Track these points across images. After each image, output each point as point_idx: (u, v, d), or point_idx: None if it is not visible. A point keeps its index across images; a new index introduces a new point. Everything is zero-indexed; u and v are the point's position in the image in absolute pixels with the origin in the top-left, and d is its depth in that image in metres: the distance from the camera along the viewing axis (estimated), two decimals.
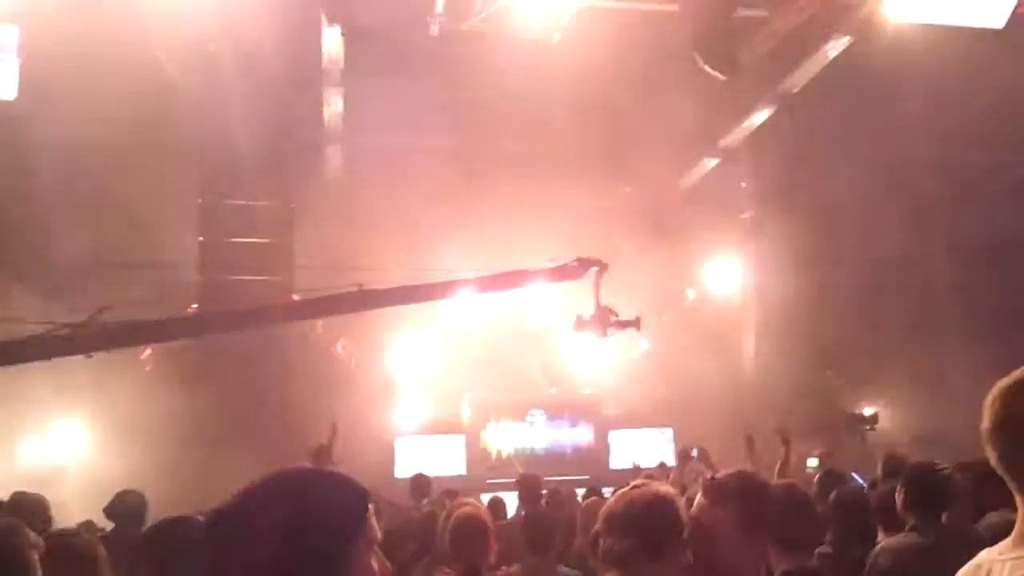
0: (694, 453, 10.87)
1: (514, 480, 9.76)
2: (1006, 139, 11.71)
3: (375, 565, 1.51)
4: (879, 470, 5.89)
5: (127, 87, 9.49)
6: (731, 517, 2.32)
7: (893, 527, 3.98)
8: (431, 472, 8.81)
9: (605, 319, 7.23)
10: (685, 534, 2.34)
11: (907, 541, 3.73)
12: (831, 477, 5.55)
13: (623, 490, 2.46)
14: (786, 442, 7.20)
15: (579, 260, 7.37)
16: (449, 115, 10.96)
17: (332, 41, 10.21)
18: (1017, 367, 1.75)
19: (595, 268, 7.15)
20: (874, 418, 12.58)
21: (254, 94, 9.79)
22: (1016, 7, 8.97)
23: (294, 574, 1.40)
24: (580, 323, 7.57)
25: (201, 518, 2.21)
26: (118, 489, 5.76)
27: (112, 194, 10.46)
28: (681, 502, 2.47)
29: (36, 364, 6.90)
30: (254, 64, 9.51)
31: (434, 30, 9.65)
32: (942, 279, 13.54)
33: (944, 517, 3.83)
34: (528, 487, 6.78)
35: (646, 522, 2.34)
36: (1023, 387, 1.69)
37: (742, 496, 2.37)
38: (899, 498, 3.85)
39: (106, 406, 10.61)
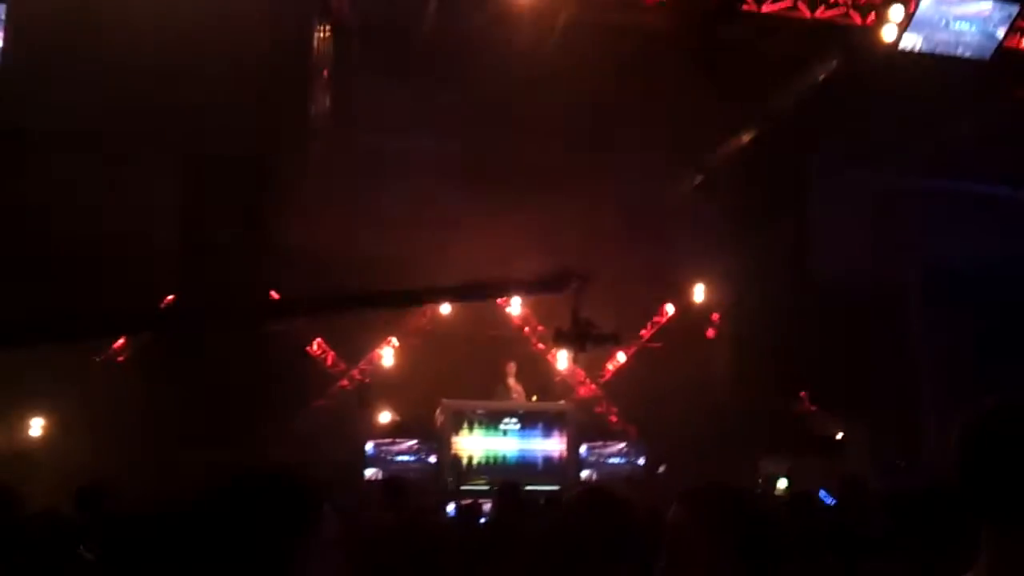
0: (661, 469, 10.97)
1: (487, 487, 9.82)
2: (982, 167, 11.86)
3: (331, 567, 1.50)
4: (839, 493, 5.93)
5: (112, 73, 9.41)
6: (702, 525, 2.33)
7: (852, 549, 3.99)
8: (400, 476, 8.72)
9: (584, 332, 7.22)
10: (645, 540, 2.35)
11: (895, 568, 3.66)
12: (800, 497, 5.58)
13: (578, 492, 2.48)
14: None
15: (559, 273, 7.38)
16: (435, 119, 10.94)
17: (322, 38, 10.19)
18: (986, 395, 1.75)
19: (575, 281, 7.15)
20: (843, 442, 12.67)
21: (241, 88, 9.75)
22: (1003, 41, 9.13)
23: (242, 571, 1.39)
24: (559, 335, 7.56)
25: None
26: (82, 479, 5.73)
27: (91, 182, 10.36)
28: (639, 508, 2.48)
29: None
30: (242, 57, 9.46)
31: (425, 33, 9.65)
32: (918, 306, 13.67)
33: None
34: (506, 495, 6.75)
35: (600, 526, 2.34)
36: (995, 416, 1.69)
37: (715, 505, 2.37)
38: (882, 522, 3.80)
39: (75, 396, 10.52)
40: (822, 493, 9.26)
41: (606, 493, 2.44)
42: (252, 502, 1.43)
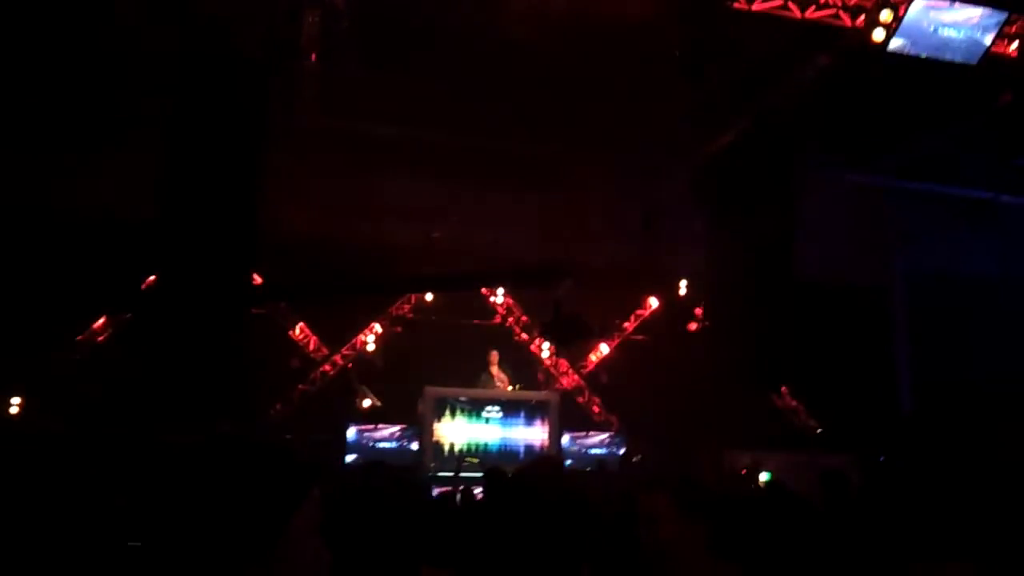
0: (636, 458, 11.12)
1: (467, 473, 9.87)
2: (967, 171, 11.96)
3: (312, 549, 1.51)
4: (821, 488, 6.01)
5: (96, 52, 9.35)
6: (670, 504, 2.39)
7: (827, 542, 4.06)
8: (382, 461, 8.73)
9: (568, 328, 7.26)
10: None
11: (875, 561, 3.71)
12: (776, 490, 5.65)
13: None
14: None
15: (545, 267, 7.42)
16: (425, 108, 10.91)
17: (312, 22, 10.12)
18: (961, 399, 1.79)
19: (562, 278, 7.18)
20: (823, 437, 12.82)
21: (228, 70, 9.67)
22: (991, 47, 9.21)
23: (230, 542, 1.39)
24: (544, 328, 7.60)
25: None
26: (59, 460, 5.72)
27: (73, 162, 10.31)
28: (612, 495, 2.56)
29: None
30: (230, 38, 9.39)
31: (416, 21, 9.61)
32: (899, 304, 13.80)
33: None
34: (494, 481, 6.77)
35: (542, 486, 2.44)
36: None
37: (686, 497, 2.44)
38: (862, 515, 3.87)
39: (54, 375, 10.49)
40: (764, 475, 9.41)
41: (546, 460, 2.53)
42: (250, 474, 1.44)
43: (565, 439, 11.50)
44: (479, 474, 9.66)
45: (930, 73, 9.39)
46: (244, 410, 10.65)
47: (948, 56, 9.20)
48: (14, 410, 10.74)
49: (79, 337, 11.51)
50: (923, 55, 9.17)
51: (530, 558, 2.46)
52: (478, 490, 7.80)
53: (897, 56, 9.20)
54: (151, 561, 1.50)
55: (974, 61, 9.25)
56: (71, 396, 10.17)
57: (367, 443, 10.92)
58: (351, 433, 10.92)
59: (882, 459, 11.87)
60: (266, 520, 1.44)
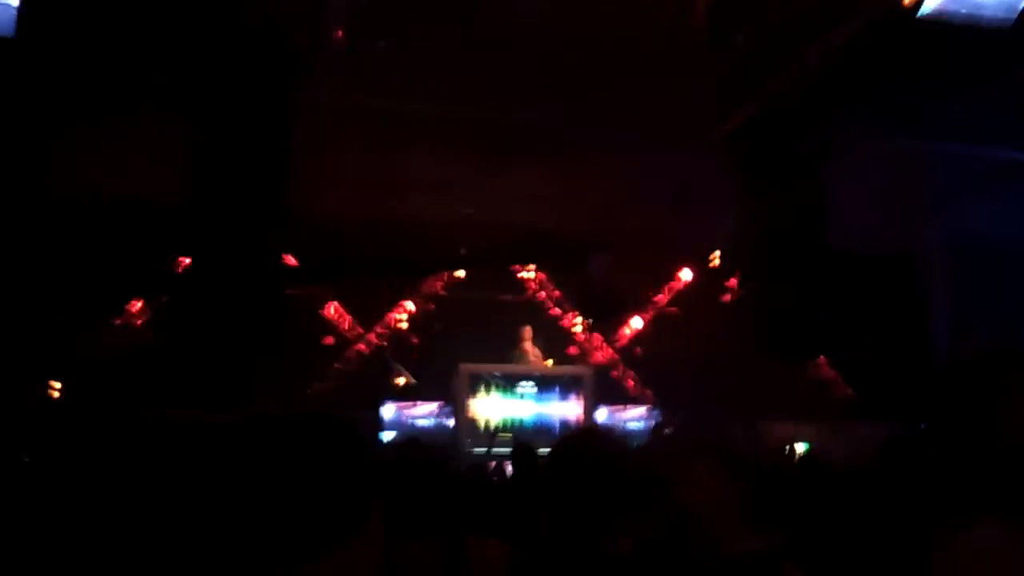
0: (667, 431, 11.12)
1: (500, 449, 9.92)
2: (1010, 133, 11.68)
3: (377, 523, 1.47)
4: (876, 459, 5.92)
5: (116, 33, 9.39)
6: (707, 468, 2.38)
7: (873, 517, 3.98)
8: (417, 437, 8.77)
9: (602, 300, 7.23)
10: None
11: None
12: (811, 462, 5.59)
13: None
14: None
15: (577, 243, 7.37)
16: (453, 84, 10.86)
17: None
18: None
19: (594, 251, 7.15)
20: (860, 406, 12.69)
21: (253, 47, 9.67)
22: None
23: (294, 522, 1.37)
24: (578, 303, 7.58)
25: None
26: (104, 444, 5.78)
27: (102, 143, 10.36)
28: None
29: None
30: (254, 13, 9.38)
31: None
32: (939, 273, 13.57)
33: None
34: (523, 456, 6.81)
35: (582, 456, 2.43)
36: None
37: (726, 461, 2.42)
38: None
39: (93, 358, 10.64)
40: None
41: (588, 432, 2.51)
42: (345, 450, 1.41)
43: (603, 413, 11.47)
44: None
45: (965, 32, 9.17)
46: (281, 390, 10.74)
47: (982, 18, 8.98)
48: (55, 394, 10.91)
49: (116, 321, 11.64)
50: (957, 16, 8.96)
51: (573, 520, 2.45)
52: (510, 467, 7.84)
53: (931, 19, 8.99)
54: (227, 544, 1.47)
55: (1009, 23, 9.02)
56: (111, 379, 10.30)
57: (405, 420, 10.98)
58: (390, 411, 10.97)
59: (923, 427, 11.69)
60: (357, 496, 1.42)
